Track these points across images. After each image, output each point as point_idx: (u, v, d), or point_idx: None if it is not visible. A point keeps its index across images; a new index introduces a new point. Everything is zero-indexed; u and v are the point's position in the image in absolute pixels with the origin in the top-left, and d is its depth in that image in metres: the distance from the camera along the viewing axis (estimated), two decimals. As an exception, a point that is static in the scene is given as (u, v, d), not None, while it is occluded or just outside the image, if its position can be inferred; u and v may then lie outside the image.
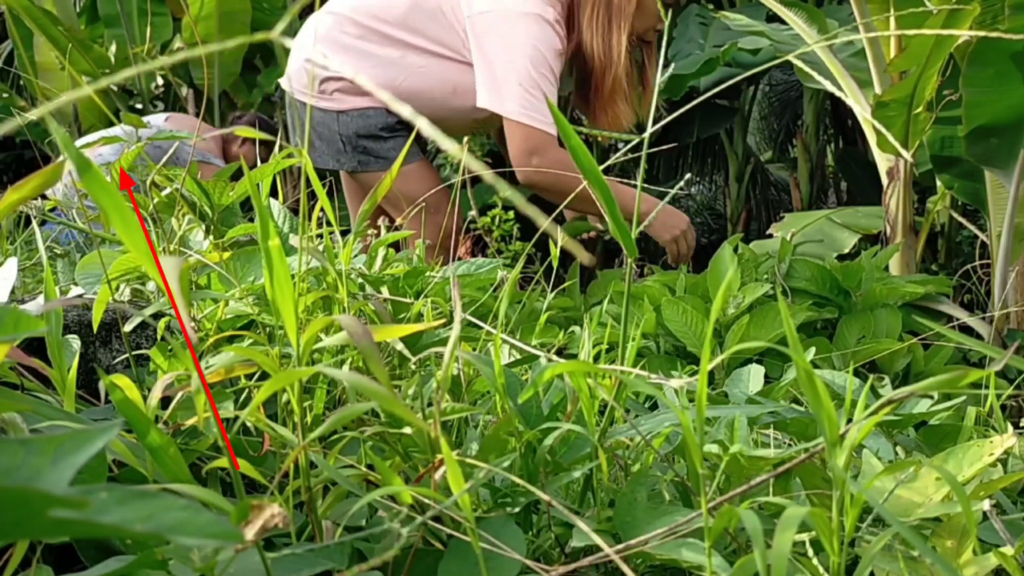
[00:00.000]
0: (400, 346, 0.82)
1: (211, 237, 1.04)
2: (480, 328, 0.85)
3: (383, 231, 1.21)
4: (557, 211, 1.08)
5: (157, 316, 0.84)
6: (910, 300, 1.67)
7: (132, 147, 1.01)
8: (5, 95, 4.13)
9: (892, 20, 1.72)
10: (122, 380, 0.61)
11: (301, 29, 2.22)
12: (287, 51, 2.15)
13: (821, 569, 0.59)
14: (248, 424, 0.74)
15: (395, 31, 1.96)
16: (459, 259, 1.30)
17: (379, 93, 0.38)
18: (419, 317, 0.95)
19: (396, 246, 1.33)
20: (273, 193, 1.78)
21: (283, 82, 2.13)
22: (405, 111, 0.36)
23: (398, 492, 0.58)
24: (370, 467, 0.68)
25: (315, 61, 1.98)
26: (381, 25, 1.96)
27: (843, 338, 1.54)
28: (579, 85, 2.04)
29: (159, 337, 0.85)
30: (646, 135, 0.71)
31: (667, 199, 0.78)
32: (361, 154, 1.99)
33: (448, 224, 1.90)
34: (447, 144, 0.36)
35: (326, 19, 2.01)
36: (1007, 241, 1.74)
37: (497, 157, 2.89)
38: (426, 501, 0.58)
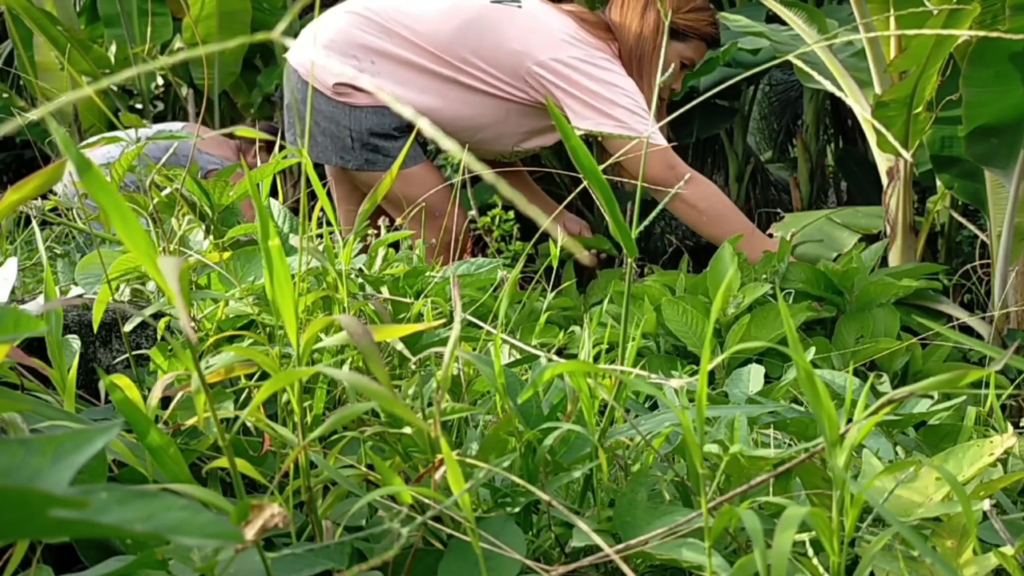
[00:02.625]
0: (400, 346, 0.82)
1: (211, 237, 1.04)
2: (480, 328, 0.85)
3: (383, 231, 1.21)
4: (557, 211, 1.08)
5: (157, 316, 0.84)
6: (905, 296, 1.67)
7: (137, 147, 1.01)
8: (5, 95, 4.13)
9: (892, 20, 1.72)
10: (122, 380, 0.61)
11: (318, 18, 2.16)
12: (287, 51, 2.11)
13: (821, 569, 0.59)
14: (248, 424, 0.74)
15: (439, 61, 1.97)
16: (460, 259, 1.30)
17: (380, 94, 0.39)
18: (419, 317, 0.95)
19: (396, 247, 1.33)
20: (273, 193, 1.78)
21: (290, 59, 2.04)
22: (407, 112, 0.36)
23: (398, 492, 0.58)
24: (370, 467, 0.68)
25: (333, 65, 1.96)
26: (424, 52, 1.97)
27: (841, 338, 1.54)
28: None
29: (159, 337, 0.85)
30: (646, 135, 0.71)
31: (668, 199, 0.78)
32: (370, 152, 1.98)
33: (451, 226, 1.90)
34: (447, 144, 0.36)
35: (356, 20, 1.98)
36: (1007, 241, 1.74)
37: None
38: (426, 501, 0.58)
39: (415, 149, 2.03)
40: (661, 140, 1.96)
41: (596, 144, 2.95)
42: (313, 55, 1.98)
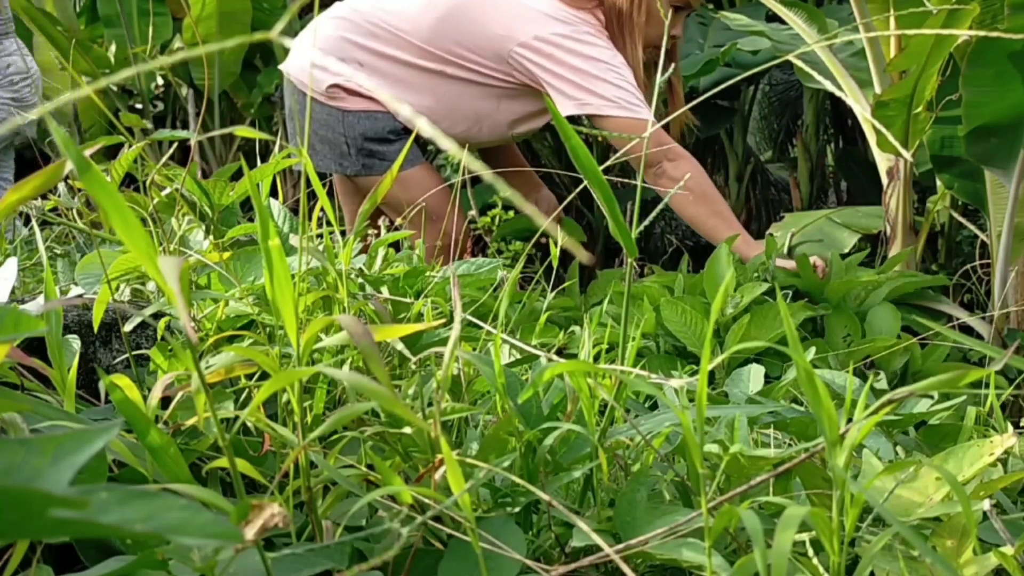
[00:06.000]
0: (400, 346, 0.82)
1: (211, 237, 1.04)
2: (480, 328, 0.85)
3: (383, 231, 1.21)
4: (556, 212, 1.08)
5: (157, 316, 0.84)
6: (905, 296, 1.67)
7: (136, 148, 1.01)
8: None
9: (892, 20, 1.72)
10: (122, 380, 0.61)
11: (309, 26, 2.17)
12: (287, 51, 2.13)
13: (821, 569, 0.59)
14: (248, 424, 0.74)
15: (426, 55, 1.94)
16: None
17: (377, 93, 0.39)
18: (419, 317, 0.95)
19: (396, 247, 1.33)
20: (273, 193, 1.78)
21: (285, 69, 2.07)
22: (405, 110, 0.36)
23: (398, 492, 0.58)
24: (370, 467, 0.67)
25: (327, 66, 1.94)
26: (411, 48, 1.94)
27: (831, 336, 1.54)
28: None
29: (159, 337, 0.85)
30: (646, 135, 0.71)
31: (667, 199, 0.78)
32: (366, 157, 1.97)
33: (450, 229, 1.89)
34: (446, 144, 0.36)
35: (342, 24, 1.98)
36: (1007, 241, 1.74)
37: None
38: (426, 501, 0.58)
39: (414, 151, 2.01)
40: (647, 113, 1.89)
41: (596, 144, 2.92)
42: (311, 56, 1.97)
